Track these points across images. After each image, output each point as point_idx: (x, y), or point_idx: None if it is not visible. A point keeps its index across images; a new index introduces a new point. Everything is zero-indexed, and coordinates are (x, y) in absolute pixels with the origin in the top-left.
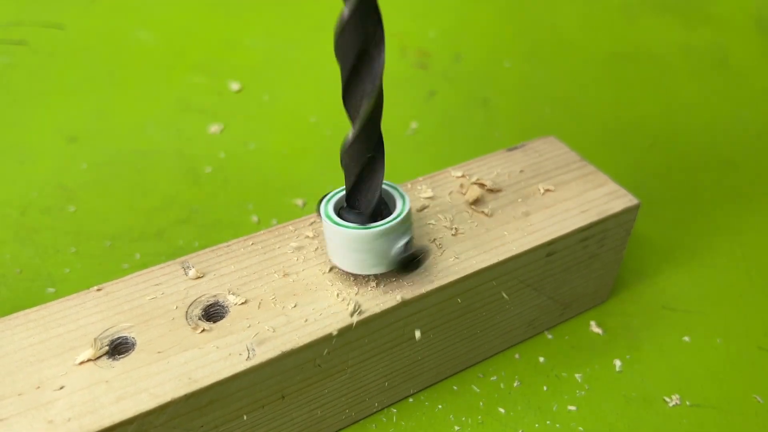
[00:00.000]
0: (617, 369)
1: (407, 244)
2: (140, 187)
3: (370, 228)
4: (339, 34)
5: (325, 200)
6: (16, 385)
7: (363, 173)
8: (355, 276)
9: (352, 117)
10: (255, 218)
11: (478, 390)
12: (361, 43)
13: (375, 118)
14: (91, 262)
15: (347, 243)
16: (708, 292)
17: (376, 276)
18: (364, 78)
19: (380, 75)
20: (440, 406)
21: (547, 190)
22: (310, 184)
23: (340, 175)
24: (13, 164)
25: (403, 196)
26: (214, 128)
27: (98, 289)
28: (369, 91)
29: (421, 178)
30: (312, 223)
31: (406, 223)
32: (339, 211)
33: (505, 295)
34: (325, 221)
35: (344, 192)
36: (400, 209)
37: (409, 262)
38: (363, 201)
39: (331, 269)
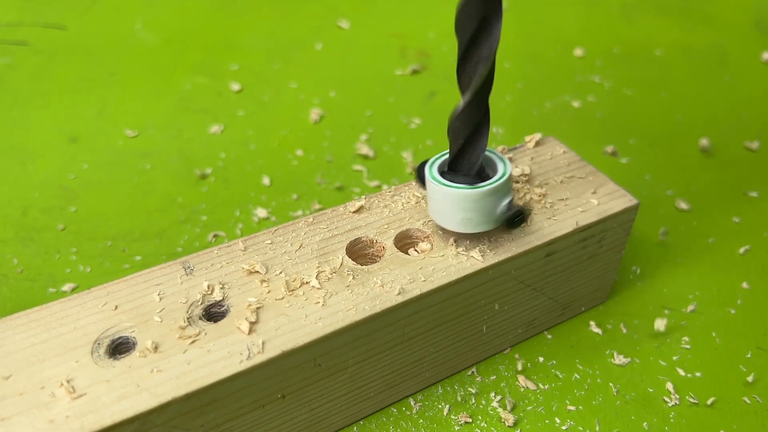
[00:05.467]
0: (617, 369)
1: (510, 202)
2: (141, 188)
3: (479, 187)
4: (464, 4)
5: (428, 165)
6: (17, 384)
7: (471, 137)
8: (355, 275)
9: (464, 85)
10: (255, 218)
11: (477, 390)
12: (484, 12)
13: (488, 84)
14: (91, 262)
15: (456, 203)
16: (708, 292)
17: (376, 275)
18: (481, 45)
19: (497, 41)
20: (440, 406)
21: (546, 191)
22: (310, 184)
23: (341, 175)
24: (15, 164)
25: (503, 160)
26: (215, 128)
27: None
28: (485, 57)
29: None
30: (315, 225)
31: (510, 183)
32: (442, 174)
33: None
34: (432, 183)
35: (444, 157)
36: (502, 171)
37: (515, 219)
38: (467, 163)
39: (332, 270)
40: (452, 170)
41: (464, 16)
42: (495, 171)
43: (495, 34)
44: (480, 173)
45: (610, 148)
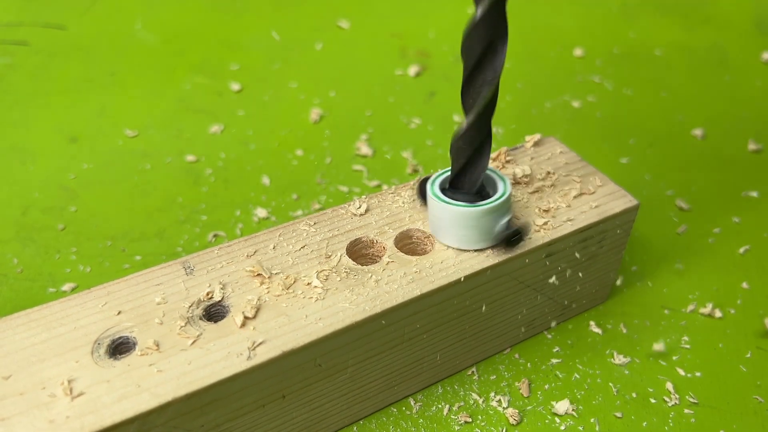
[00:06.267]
0: (617, 369)
1: (509, 221)
2: (140, 187)
3: (478, 206)
4: (471, 30)
5: (429, 182)
6: (17, 384)
7: (473, 157)
8: (356, 274)
9: (468, 106)
10: (255, 218)
11: (477, 389)
12: (489, 38)
13: (492, 105)
14: (91, 262)
15: (456, 220)
16: (708, 292)
17: (376, 275)
18: (486, 69)
19: (502, 65)
20: (440, 406)
21: (546, 192)
22: (309, 184)
23: (340, 174)
24: (15, 164)
25: (503, 179)
26: (215, 128)
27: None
28: (489, 80)
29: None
30: (315, 225)
31: (509, 202)
32: (443, 191)
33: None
34: (433, 200)
35: (445, 175)
36: (503, 190)
37: (512, 238)
38: (468, 182)
39: (332, 270)
40: (453, 188)
41: (470, 40)
42: (495, 189)
43: (500, 58)
44: (480, 191)
45: (609, 148)
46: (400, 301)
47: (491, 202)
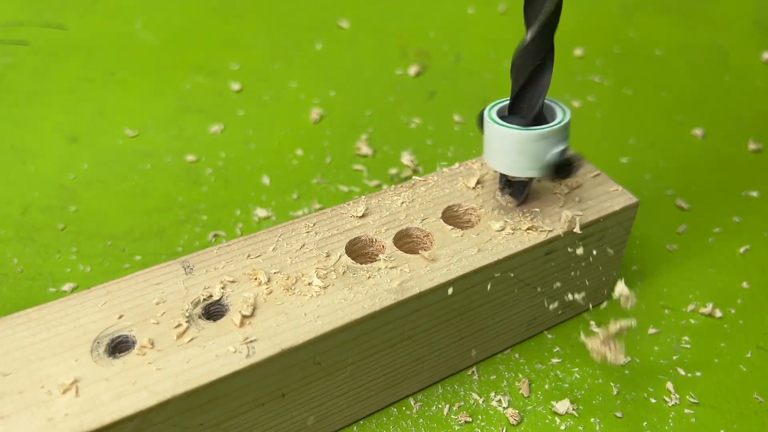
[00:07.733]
0: (617, 369)
1: (563, 150)
2: (140, 187)
3: (531, 129)
4: None
5: (488, 107)
6: (16, 383)
7: (532, 76)
8: (355, 272)
9: (530, 21)
10: (255, 218)
11: (478, 389)
12: None
13: (554, 20)
14: (91, 261)
15: (508, 144)
16: (708, 291)
17: (375, 273)
18: None
19: None
20: (440, 406)
21: (546, 190)
22: (310, 183)
23: (340, 174)
24: (15, 164)
25: (564, 109)
26: (215, 128)
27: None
28: None
29: (421, 178)
30: (315, 224)
31: (566, 131)
32: (502, 117)
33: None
34: (489, 123)
35: (507, 102)
36: (560, 118)
37: (563, 167)
38: (527, 105)
39: (332, 269)
40: (513, 113)
41: None
42: (554, 118)
43: None
44: (539, 119)
45: (609, 147)
46: (398, 299)
47: (547, 128)
